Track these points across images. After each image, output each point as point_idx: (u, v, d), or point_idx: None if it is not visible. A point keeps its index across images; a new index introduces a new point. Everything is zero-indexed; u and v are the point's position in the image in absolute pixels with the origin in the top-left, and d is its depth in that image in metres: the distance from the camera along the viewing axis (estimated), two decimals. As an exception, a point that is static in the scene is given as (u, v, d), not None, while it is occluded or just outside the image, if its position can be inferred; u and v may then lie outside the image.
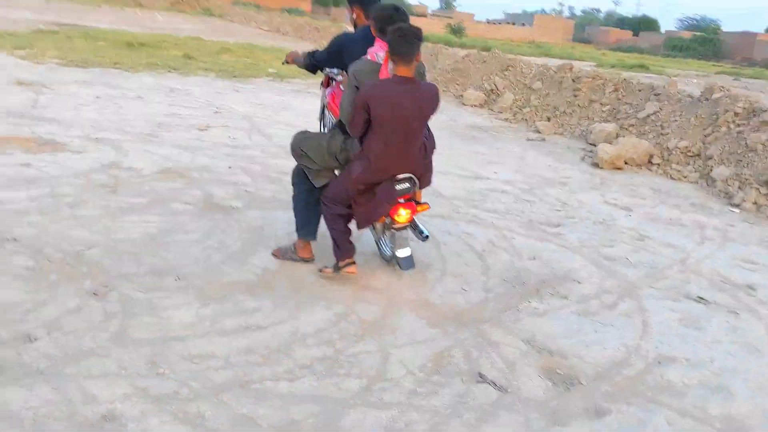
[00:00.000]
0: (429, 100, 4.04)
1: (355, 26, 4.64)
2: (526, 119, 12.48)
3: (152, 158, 6.70)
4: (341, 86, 4.62)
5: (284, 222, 5.31)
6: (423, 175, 4.27)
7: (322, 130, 5.11)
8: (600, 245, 5.71)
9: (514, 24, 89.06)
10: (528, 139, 10.70)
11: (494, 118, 12.65)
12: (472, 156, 8.88)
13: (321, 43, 29.47)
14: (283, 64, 5.15)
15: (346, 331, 3.73)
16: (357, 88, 3.99)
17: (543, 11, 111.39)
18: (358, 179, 4.07)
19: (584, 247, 5.61)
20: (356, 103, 3.91)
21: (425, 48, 20.44)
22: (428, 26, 65.95)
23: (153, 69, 13.67)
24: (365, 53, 4.13)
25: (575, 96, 12.41)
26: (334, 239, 4.31)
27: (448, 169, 7.82)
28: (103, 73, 12.29)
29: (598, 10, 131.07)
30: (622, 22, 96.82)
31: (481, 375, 3.42)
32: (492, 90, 14.42)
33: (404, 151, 4.05)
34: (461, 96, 14.67)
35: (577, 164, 9.12)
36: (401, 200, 4.15)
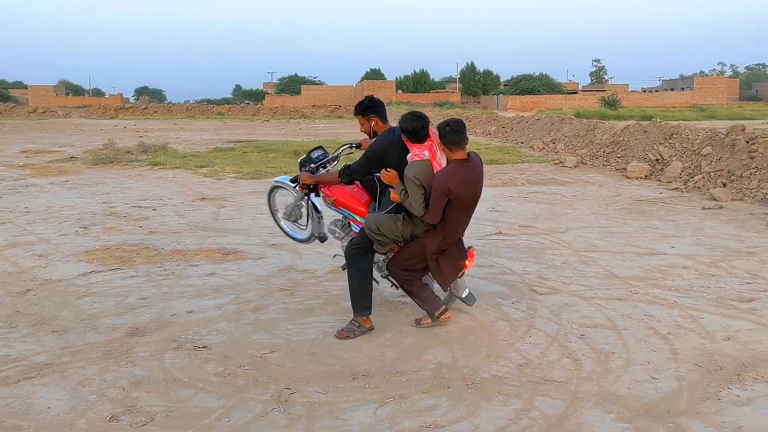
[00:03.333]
0: (482, 167, 4.83)
1: (372, 134, 5.14)
2: (698, 187, 11.75)
3: (324, 260, 6.98)
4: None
5: (454, 312, 5.27)
6: None
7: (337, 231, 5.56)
8: (806, 320, 5.11)
9: (672, 90, 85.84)
10: (704, 208, 10.02)
11: (663, 189, 12.03)
12: (644, 231, 8.44)
13: (474, 131, 29.92)
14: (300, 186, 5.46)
15: (529, 428, 3.55)
16: (422, 186, 4.58)
17: (702, 73, 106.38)
18: (435, 250, 4.80)
19: (787, 324, 5.05)
20: (437, 193, 4.53)
21: (581, 124, 20.15)
22: (581, 102, 65.34)
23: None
24: (400, 155, 4.73)
25: (751, 158, 11.55)
26: (415, 296, 5.01)
27: (620, 248, 7.47)
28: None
29: (765, 65, 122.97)
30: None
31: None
32: (657, 160, 13.81)
33: (470, 216, 4.88)
34: (624, 169, 14.17)
35: (763, 231, 8.36)
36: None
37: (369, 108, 5.06)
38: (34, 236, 8.24)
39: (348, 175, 5.00)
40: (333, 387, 4.05)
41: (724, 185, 11.29)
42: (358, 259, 4.92)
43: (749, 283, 6.12)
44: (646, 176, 13.43)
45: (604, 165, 15.42)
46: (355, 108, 5.15)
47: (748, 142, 11.91)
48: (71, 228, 8.75)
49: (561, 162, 16.42)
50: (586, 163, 16.08)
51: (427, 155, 4.63)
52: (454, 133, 4.59)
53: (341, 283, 6.09)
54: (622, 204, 10.38)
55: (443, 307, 5.01)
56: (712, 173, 12.00)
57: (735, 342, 4.71)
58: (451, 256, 4.86)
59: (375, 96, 5.29)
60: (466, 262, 4.94)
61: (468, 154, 4.69)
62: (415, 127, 4.64)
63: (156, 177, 14.26)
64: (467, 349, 4.63)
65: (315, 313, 5.38)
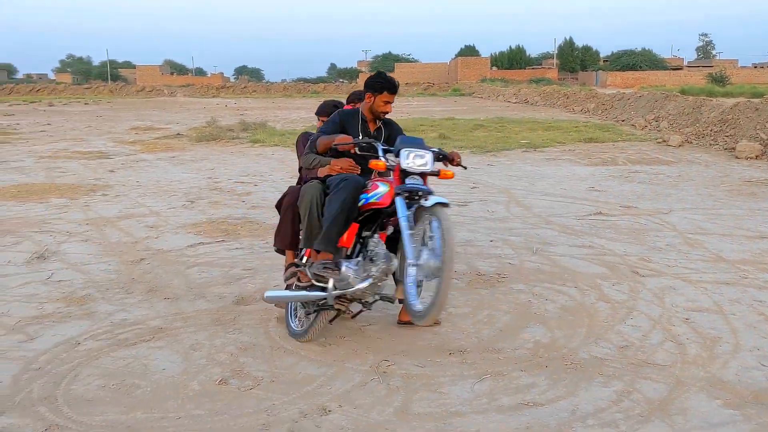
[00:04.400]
0: None
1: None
2: (816, 168, 11.04)
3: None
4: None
5: (553, 292, 5.23)
6: None
7: None
8: None
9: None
10: (822, 191, 9.42)
11: (776, 170, 11.37)
12: (754, 213, 8.03)
13: (572, 108, 29.16)
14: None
15: (630, 410, 3.49)
16: None
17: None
18: None
19: None
20: None
21: (687, 101, 19.25)
22: (686, 78, 62.24)
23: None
24: None
25: None
26: None
27: (728, 230, 7.16)
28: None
29: None
30: None
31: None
32: (770, 139, 13.04)
33: None
34: (732, 149, 13.47)
35: None
36: None
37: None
38: (145, 209, 8.71)
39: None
40: (430, 361, 4.11)
41: None
42: None
43: None
44: (757, 156, 12.73)
45: (711, 144, 14.71)
46: (390, 84, 4.68)
47: None
48: (179, 201, 9.19)
49: (664, 141, 15.76)
50: (691, 143, 15.38)
51: None
52: None
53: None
54: (731, 185, 9.89)
55: None
56: (832, 153, 11.24)
57: None
58: None
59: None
60: None
61: None
62: None
63: (256, 154, 14.72)
64: (566, 329, 4.59)
65: (412, 288, 5.45)
